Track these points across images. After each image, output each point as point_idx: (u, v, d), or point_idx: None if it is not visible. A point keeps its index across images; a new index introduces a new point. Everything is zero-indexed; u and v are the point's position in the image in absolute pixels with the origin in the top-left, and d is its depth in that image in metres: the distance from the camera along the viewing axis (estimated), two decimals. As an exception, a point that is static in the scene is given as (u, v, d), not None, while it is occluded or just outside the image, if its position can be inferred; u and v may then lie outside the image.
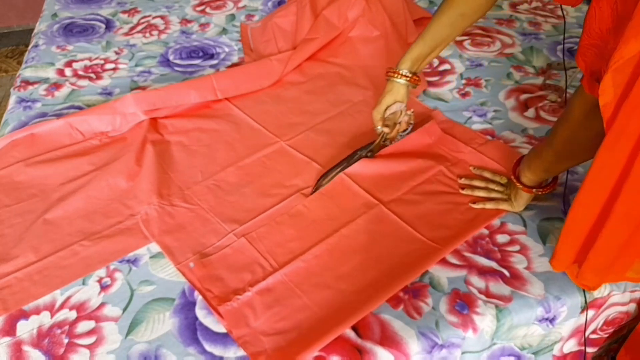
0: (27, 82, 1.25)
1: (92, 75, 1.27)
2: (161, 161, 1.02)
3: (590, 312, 0.81)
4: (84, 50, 1.36)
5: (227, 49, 1.37)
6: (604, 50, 0.58)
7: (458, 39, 1.36)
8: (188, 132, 1.10)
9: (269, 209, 0.93)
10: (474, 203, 0.92)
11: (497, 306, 0.77)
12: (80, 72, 1.28)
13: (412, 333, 0.74)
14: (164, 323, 0.76)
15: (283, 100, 1.18)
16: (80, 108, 1.16)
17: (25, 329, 0.76)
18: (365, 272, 0.82)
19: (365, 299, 0.77)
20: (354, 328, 0.75)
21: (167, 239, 0.88)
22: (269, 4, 1.56)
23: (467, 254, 0.85)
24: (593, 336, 0.87)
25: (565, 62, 1.20)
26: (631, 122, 0.56)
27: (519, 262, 0.83)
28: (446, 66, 1.28)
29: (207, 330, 0.76)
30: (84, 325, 0.76)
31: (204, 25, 1.47)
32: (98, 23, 1.48)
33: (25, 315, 0.78)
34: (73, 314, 0.78)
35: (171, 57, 1.33)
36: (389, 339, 0.74)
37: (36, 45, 1.39)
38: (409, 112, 1.00)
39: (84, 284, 0.82)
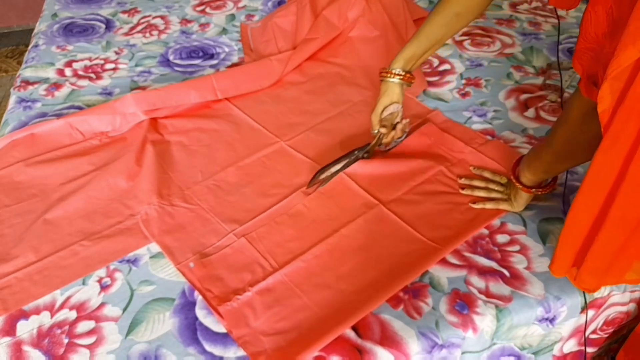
0: (27, 82, 1.25)
1: (92, 75, 1.27)
2: (161, 161, 1.02)
3: (590, 312, 0.81)
4: (84, 50, 1.36)
5: (227, 49, 1.37)
6: (600, 53, 0.58)
7: (458, 38, 1.36)
8: (188, 132, 1.10)
9: (268, 209, 0.93)
10: (474, 203, 0.92)
11: (497, 306, 0.77)
12: (80, 72, 1.28)
13: (412, 333, 0.74)
14: (164, 323, 0.76)
15: (283, 100, 1.18)
16: (80, 108, 1.16)
17: (25, 329, 0.76)
18: (365, 272, 0.82)
19: (365, 299, 0.77)
20: (354, 328, 0.75)
21: (167, 239, 0.88)
22: (269, 4, 1.56)
23: (467, 254, 0.85)
24: (593, 336, 0.87)
25: (560, 64, 1.21)
26: (626, 127, 0.56)
27: (519, 262, 0.83)
28: (446, 66, 1.28)
29: (207, 330, 0.76)
30: (84, 325, 0.76)
31: (204, 25, 1.47)
32: (98, 23, 1.48)
33: (25, 315, 0.78)
34: (73, 314, 0.78)
35: (171, 57, 1.33)
36: (389, 339, 0.74)
37: (36, 45, 1.39)
38: (404, 121, 1.00)
39: (84, 284, 0.82)
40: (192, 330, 0.76)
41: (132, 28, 1.45)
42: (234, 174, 1.00)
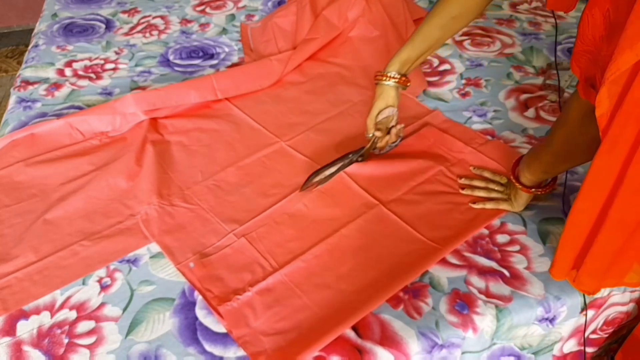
0: (27, 82, 1.25)
1: (92, 75, 1.27)
2: (161, 161, 1.02)
3: (590, 312, 0.81)
4: (84, 50, 1.36)
5: (227, 49, 1.37)
6: (597, 56, 0.58)
7: (458, 39, 1.36)
8: (188, 132, 1.10)
9: (268, 209, 0.93)
10: (474, 203, 0.92)
11: (497, 306, 0.77)
12: (80, 72, 1.28)
13: (412, 333, 0.74)
14: (164, 323, 0.76)
15: (283, 100, 1.18)
16: (80, 108, 1.16)
17: (25, 329, 0.76)
18: (365, 272, 0.82)
19: (365, 299, 0.77)
20: (354, 328, 0.75)
21: (167, 239, 0.88)
22: (269, 4, 1.56)
23: (467, 254, 0.85)
24: (593, 336, 0.87)
25: (558, 65, 1.21)
26: (624, 131, 0.56)
27: (519, 262, 0.83)
28: (446, 66, 1.28)
29: (207, 330, 0.76)
30: (84, 325, 0.76)
31: (204, 25, 1.47)
32: (98, 23, 1.48)
33: (25, 315, 0.78)
34: (73, 314, 0.78)
35: (171, 57, 1.33)
36: (389, 339, 0.74)
37: (36, 45, 1.39)
38: (399, 126, 0.99)
39: (84, 284, 0.82)
40: (192, 330, 0.76)
41: (132, 28, 1.45)
42: (234, 174, 1.00)
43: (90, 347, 0.74)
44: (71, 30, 1.45)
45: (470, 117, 1.12)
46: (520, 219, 0.90)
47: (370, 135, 0.98)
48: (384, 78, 0.95)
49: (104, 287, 0.81)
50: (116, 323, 0.76)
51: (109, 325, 0.76)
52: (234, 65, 1.31)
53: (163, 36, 1.42)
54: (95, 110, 1.09)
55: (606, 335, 0.88)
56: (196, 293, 0.80)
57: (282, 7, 1.39)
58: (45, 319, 0.77)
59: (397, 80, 0.95)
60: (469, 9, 0.89)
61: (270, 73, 1.22)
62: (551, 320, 0.79)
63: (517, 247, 0.86)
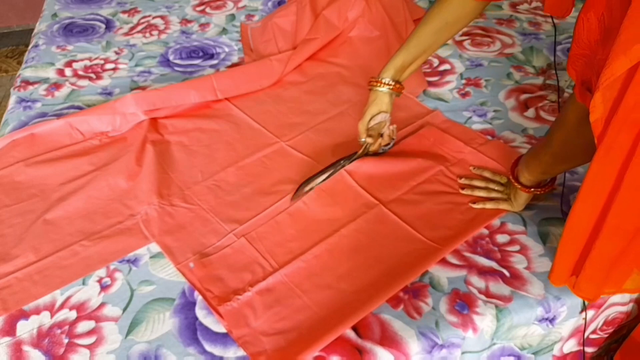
0: (27, 82, 1.25)
1: (92, 75, 1.27)
2: (161, 161, 1.02)
3: (590, 312, 0.81)
4: (84, 50, 1.36)
5: (227, 49, 1.37)
6: (593, 60, 0.58)
7: (458, 39, 1.36)
8: (188, 132, 1.10)
9: (268, 209, 0.93)
10: (474, 203, 0.92)
11: (497, 306, 0.77)
12: (80, 72, 1.28)
13: (412, 333, 0.74)
14: (164, 323, 0.76)
15: (283, 100, 1.18)
16: (80, 108, 1.16)
17: (25, 329, 0.76)
18: (365, 272, 0.82)
19: (366, 299, 0.77)
20: (354, 328, 0.75)
21: (167, 239, 0.88)
22: (269, 4, 1.56)
23: (467, 254, 0.85)
24: (593, 336, 0.87)
25: (556, 66, 1.20)
26: (620, 136, 0.56)
27: (519, 262, 0.83)
28: (446, 66, 1.28)
29: (207, 330, 0.76)
30: (84, 325, 0.76)
31: (204, 25, 1.47)
32: (98, 23, 1.48)
33: (25, 315, 0.78)
34: (73, 314, 0.78)
35: (171, 57, 1.33)
36: (389, 339, 0.74)
37: (36, 45, 1.39)
38: (391, 127, 0.99)
39: (84, 284, 0.82)
40: (192, 330, 0.76)
41: (132, 28, 1.45)
42: (234, 174, 1.00)
43: (90, 347, 0.74)
44: (71, 30, 1.45)
45: (470, 117, 1.12)
46: (520, 219, 0.90)
47: (363, 140, 0.97)
48: (378, 84, 0.95)
49: (104, 287, 0.81)
50: (116, 323, 0.76)
51: (109, 325, 0.76)
52: (234, 65, 1.31)
53: (163, 36, 1.42)
54: (95, 110, 1.09)
55: (606, 335, 0.88)
56: (196, 293, 0.80)
57: (282, 7, 1.39)
58: (45, 319, 0.77)
59: (391, 87, 0.94)
60: (463, 14, 0.89)
61: (270, 73, 1.22)
62: (551, 320, 0.79)
63: (517, 247, 0.86)
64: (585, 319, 0.81)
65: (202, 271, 0.83)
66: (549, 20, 1.44)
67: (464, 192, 0.94)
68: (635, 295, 0.83)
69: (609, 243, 0.65)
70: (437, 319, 0.76)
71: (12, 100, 1.20)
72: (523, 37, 1.37)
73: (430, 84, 1.22)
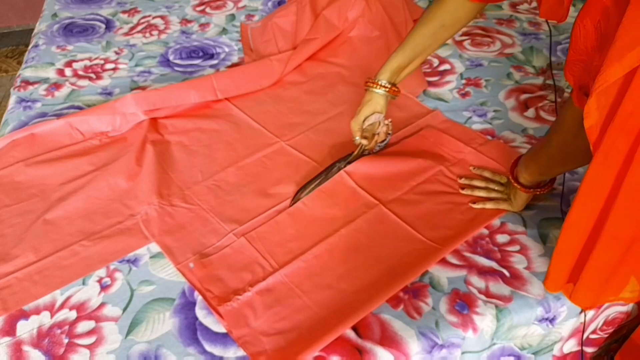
0: (27, 82, 1.25)
1: (92, 75, 1.27)
2: (161, 161, 1.02)
3: (590, 313, 0.81)
4: (84, 50, 1.36)
5: (227, 49, 1.37)
6: (590, 66, 0.58)
7: (458, 39, 1.36)
8: (188, 132, 1.10)
9: (269, 209, 0.93)
10: (474, 203, 0.91)
11: (497, 306, 0.77)
12: (80, 72, 1.28)
13: (412, 333, 0.74)
14: (164, 323, 0.76)
15: (283, 100, 1.18)
16: (80, 108, 1.16)
17: (25, 329, 0.76)
18: (365, 272, 0.82)
19: (366, 299, 0.77)
20: (354, 328, 0.75)
21: (167, 239, 0.88)
22: (269, 4, 1.56)
23: (467, 254, 0.85)
24: (593, 336, 0.87)
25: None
26: (617, 143, 0.56)
27: (519, 262, 0.83)
28: (446, 66, 1.28)
29: (207, 330, 0.76)
30: (84, 325, 0.76)
31: (204, 25, 1.47)
32: (98, 23, 1.48)
33: (25, 315, 0.78)
34: (73, 314, 0.78)
35: (171, 57, 1.33)
36: (389, 339, 0.74)
37: (36, 45, 1.39)
38: (386, 122, 0.98)
39: (84, 284, 0.82)
40: (192, 330, 0.76)
41: (132, 28, 1.45)
42: (234, 174, 1.00)
43: (90, 347, 0.74)
44: (71, 30, 1.45)
45: (470, 117, 1.12)
46: (520, 219, 0.90)
47: (357, 141, 0.97)
48: (375, 86, 0.95)
49: (104, 287, 0.81)
50: (116, 323, 0.76)
51: (109, 325, 0.76)
52: (234, 65, 1.31)
53: (163, 36, 1.42)
54: (95, 110, 1.09)
55: (606, 335, 0.88)
56: (196, 293, 0.80)
57: (282, 7, 1.39)
58: (45, 319, 0.77)
59: (387, 89, 0.94)
60: (460, 16, 0.88)
61: (270, 73, 1.21)
62: (551, 320, 0.79)
63: (517, 247, 0.86)
64: (585, 319, 0.80)
65: (202, 271, 0.83)
66: (549, 20, 1.44)
67: (464, 192, 0.94)
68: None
69: (606, 252, 0.64)
70: (437, 319, 0.76)
71: (12, 100, 1.20)
72: (523, 37, 1.37)
73: (430, 84, 1.22)
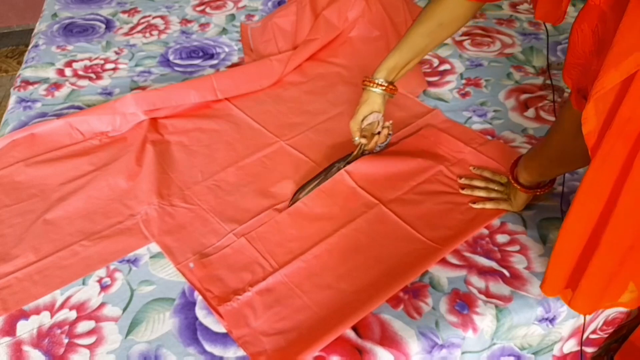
0: (27, 82, 1.25)
1: (92, 75, 1.27)
2: (161, 161, 1.02)
3: (590, 312, 0.81)
4: (84, 50, 1.36)
5: (227, 49, 1.37)
6: (588, 69, 0.58)
7: (458, 39, 1.36)
8: (188, 132, 1.10)
9: (268, 209, 0.93)
10: (474, 203, 0.92)
11: (497, 306, 0.77)
12: (80, 72, 1.28)
13: (412, 333, 0.74)
14: (164, 323, 0.76)
15: (283, 100, 1.18)
16: (80, 108, 1.16)
17: (25, 329, 0.76)
18: (365, 272, 0.82)
19: (366, 299, 0.77)
20: (354, 328, 0.75)
21: (167, 239, 0.88)
22: (269, 4, 1.56)
23: (467, 254, 0.85)
24: (593, 336, 0.87)
25: (550, 67, 1.20)
26: (614, 149, 0.56)
27: (519, 262, 0.83)
28: (446, 66, 1.28)
29: (207, 330, 0.76)
30: (84, 325, 0.76)
31: (204, 25, 1.47)
32: (98, 23, 1.48)
33: (25, 315, 0.78)
34: (73, 314, 0.78)
35: (171, 57, 1.33)
36: (389, 339, 0.74)
37: (36, 45, 1.39)
38: (387, 124, 0.98)
39: (84, 284, 0.82)
40: (192, 330, 0.76)
41: (132, 28, 1.45)
42: (234, 174, 1.00)
43: (90, 347, 0.74)
44: (71, 30, 1.45)
45: (470, 117, 1.12)
46: (520, 219, 0.90)
47: (357, 141, 0.97)
48: (372, 84, 0.94)
49: (104, 287, 0.81)
50: (116, 323, 0.76)
51: (109, 325, 0.76)
52: (234, 65, 1.31)
53: (163, 36, 1.42)
54: (95, 110, 1.09)
55: (606, 335, 0.88)
56: (196, 293, 0.80)
57: (282, 7, 1.39)
58: (45, 319, 0.77)
59: (384, 88, 0.94)
60: (457, 16, 0.88)
61: (270, 73, 1.21)
62: (551, 320, 0.79)
63: (517, 247, 0.86)
64: (585, 319, 0.80)
65: (202, 271, 0.83)
66: (549, 20, 1.44)
67: (464, 192, 0.94)
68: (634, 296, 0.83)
69: (606, 258, 0.64)
70: (437, 319, 0.76)
71: (12, 100, 1.20)
72: (523, 37, 1.37)
73: (430, 84, 1.22)
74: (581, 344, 0.85)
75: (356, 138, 0.97)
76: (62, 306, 0.79)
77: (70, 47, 1.37)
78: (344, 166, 0.97)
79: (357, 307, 0.76)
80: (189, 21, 1.49)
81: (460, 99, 1.17)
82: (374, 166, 0.98)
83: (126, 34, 1.43)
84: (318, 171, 0.98)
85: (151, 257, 0.86)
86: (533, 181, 0.85)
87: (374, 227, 0.89)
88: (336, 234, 0.87)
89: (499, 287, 0.80)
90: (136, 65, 1.30)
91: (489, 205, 0.91)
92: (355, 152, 0.98)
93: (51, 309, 0.79)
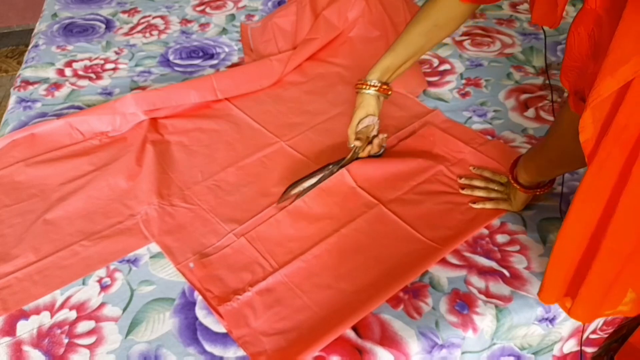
0: (27, 82, 1.25)
1: (92, 75, 1.27)
2: (161, 161, 1.02)
3: (590, 312, 0.81)
4: (84, 50, 1.36)
5: (227, 49, 1.37)
6: (585, 72, 0.58)
7: (458, 39, 1.36)
8: (188, 132, 1.10)
9: (268, 208, 0.93)
10: (474, 203, 0.92)
11: (497, 306, 0.77)
12: (80, 72, 1.28)
13: (412, 333, 0.74)
14: (164, 323, 0.76)
15: (283, 100, 1.18)
16: (80, 108, 1.16)
17: (25, 329, 0.76)
18: (365, 272, 0.82)
19: (365, 299, 0.77)
20: (354, 328, 0.75)
21: (167, 239, 0.88)
22: (269, 4, 1.56)
23: (467, 254, 0.85)
24: (593, 336, 0.87)
25: (548, 67, 1.20)
26: (611, 157, 0.56)
27: (519, 262, 0.83)
28: (446, 66, 1.28)
29: (207, 330, 0.76)
30: (84, 325, 0.76)
31: (204, 25, 1.47)
32: (98, 23, 1.48)
33: (25, 315, 0.78)
34: (73, 314, 0.78)
35: (171, 57, 1.33)
36: (389, 339, 0.74)
37: (36, 45, 1.39)
38: (382, 136, 0.97)
39: (84, 284, 0.82)
40: (192, 330, 0.76)
41: (132, 28, 1.46)
42: (234, 174, 1.00)
43: (90, 347, 0.74)
44: (71, 30, 1.45)
45: (470, 117, 1.12)
46: (520, 218, 0.90)
47: (352, 145, 0.96)
48: (365, 86, 0.93)
49: (104, 287, 0.81)
50: (116, 323, 0.77)
51: (109, 325, 0.76)
52: (234, 65, 1.31)
53: (163, 36, 1.42)
54: (95, 110, 1.09)
55: (606, 335, 0.88)
56: (196, 293, 0.80)
57: (282, 7, 1.39)
58: (45, 319, 0.77)
59: (377, 88, 0.93)
60: (452, 17, 0.87)
61: (270, 73, 1.22)
62: (551, 321, 0.79)
63: (517, 247, 0.86)
64: (584, 325, 0.80)
65: (202, 271, 0.83)
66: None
67: (464, 192, 0.94)
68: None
69: (605, 267, 0.64)
70: (437, 319, 0.76)
71: (12, 100, 1.20)
72: (523, 37, 1.37)
73: (430, 84, 1.22)
74: (581, 344, 0.85)
75: (352, 144, 0.96)
76: (62, 306, 0.79)
77: (70, 47, 1.37)
78: (337, 170, 0.96)
79: (357, 307, 0.76)
80: (189, 21, 1.49)
81: (460, 99, 1.17)
82: (374, 166, 0.98)
83: (126, 34, 1.43)
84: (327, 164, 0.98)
85: (151, 257, 0.86)
86: (532, 181, 0.85)
87: (374, 227, 0.89)
88: (336, 234, 0.87)
89: (499, 287, 0.80)
90: (136, 65, 1.31)
91: (489, 205, 0.91)
92: (349, 156, 0.97)
93: (51, 309, 0.79)
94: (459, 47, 1.34)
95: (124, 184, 0.97)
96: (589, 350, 0.89)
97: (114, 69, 1.29)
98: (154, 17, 1.50)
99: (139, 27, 1.46)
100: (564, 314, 0.79)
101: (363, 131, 0.96)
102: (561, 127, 0.70)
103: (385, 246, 0.86)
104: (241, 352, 0.73)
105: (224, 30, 1.44)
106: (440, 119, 1.11)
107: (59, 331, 0.76)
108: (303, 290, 0.80)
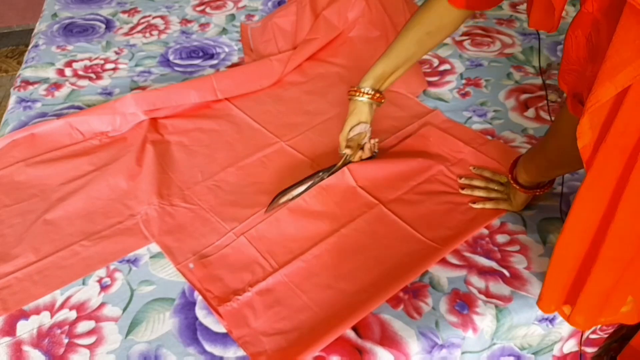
0: (27, 82, 1.25)
1: (92, 75, 1.27)
2: (161, 161, 1.02)
3: (590, 312, 0.81)
4: (84, 50, 1.36)
5: (227, 49, 1.37)
6: (583, 75, 0.58)
7: (458, 39, 1.36)
8: (188, 132, 1.10)
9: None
10: (474, 203, 0.92)
11: (497, 306, 0.77)
12: (80, 72, 1.28)
13: (412, 333, 0.74)
14: (164, 323, 0.76)
15: (283, 100, 1.18)
16: (80, 108, 1.16)
17: (25, 329, 0.76)
18: (365, 272, 0.82)
19: (365, 299, 0.77)
20: (354, 328, 0.75)
21: (167, 239, 0.88)
22: (269, 4, 1.56)
23: (467, 254, 0.85)
24: (593, 336, 0.87)
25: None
26: (609, 162, 0.56)
27: (519, 262, 0.83)
28: (446, 66, 1.28)
29: (207, 330, 0.76)
30: (84, 325, 0.76)
31: (204, 25, 1.47)
32: (98, 23, 1.48)
33: (25, 315, 0.78)
34: (73, 314, 0.78)
35: (171, 57, 1.33)
36: (389, 339, 0.74)
37: (36, 45, 1.39)
38: (373, 141, 0.96)
39: (84, 284, 0.82)
40: (192, 330, 0.76)
41: (132, 28, 1.46)
42: (234, 174, 1.00)
43: (90, 347, 0.74)
44: (71, 30, 1.45)
45: (470, 117, 1.12)
46: (520, 218, 0.90)
47: (343, 152, 0.95)
48: (358, 94, 0.92)
49: (104, 287, 0.81)
50: (116, 323, 0.76)
51: (109, 325, 0.76)
52: (234, 65, 1.31)
53: (163, 36, 1.42)
54: (95, 110, 1.09)
55: (606, 336, 0.88)
56: (196, 293, 0.80)
57: (282, 7, 1.39)
58: (45, 319, 0.77)
59: (370, 96, 0.92)
60: (444, 24, 0.87)
61: (270, 73, 1.22)
62: (551, 321, 0.79)
63: (517, 247, 0.86)
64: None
65: (202, 271, 0.83)
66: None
67: (464, 192, 0.94)
68: (635, 296, 0.83)
69: (604, 275, 0.64)
70: (437, 319, 0.76)
71: (12, 100, 1.20)
72: (523, 37, 1.37)
73: (430, 84, 1.22)
74: (581, 344, 0.85)
75: (343, 151, 0.95)
76: (62, 306, 0.79)
77: (70, 47, 1.37)
78: (327, 176, 0.95)
79: (357, 307, 0.76)
80: (189, 21, 1.49)
81: (460, 99, 1.17)
82: (375, 166, 0.98)
83: (126, 34, 1.43)
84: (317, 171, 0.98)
85: (151, 257, 0.86)
86: (532, 181, 0.85)
87: (374, 227, 0.89)
88: (336, 234, 0.87)
89: (499, 287, 0.80)
90: (136, 65, 1.31)
91: (488, 205, 0.91)
92: (339, 163, 0.96)
93: (51, 309, 0.79)
94: (459, 47, 1.34)
95: (124, 184, 0.97)
96: (589, 350, 0.89)
97: (114, 69, 1.29)
98: (154, 17, 1.50)
99: (139, 27, 1.46)
100: (564, 314, 0.79)
101: (354, 139, 0.96)
102: (560, 129, 0.70)
103: (386, 246, 0.86)
104: (241, 352, 0.73)
105: (224, 30, 1.44)
106: (440, 119, 1.11)
107: (59, 331, 0.76)
108: (303, 290, 0.80)
